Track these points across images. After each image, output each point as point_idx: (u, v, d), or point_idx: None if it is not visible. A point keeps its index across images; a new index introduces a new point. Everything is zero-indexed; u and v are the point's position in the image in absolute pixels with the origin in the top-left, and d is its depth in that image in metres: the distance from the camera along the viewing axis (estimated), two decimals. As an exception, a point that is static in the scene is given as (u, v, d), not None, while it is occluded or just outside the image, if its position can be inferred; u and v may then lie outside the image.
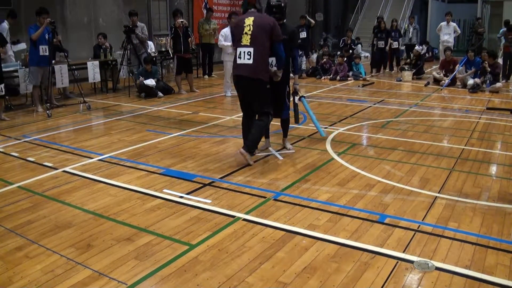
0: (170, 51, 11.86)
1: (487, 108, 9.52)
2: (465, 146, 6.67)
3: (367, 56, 16.35)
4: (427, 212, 4.39)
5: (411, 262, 3.48)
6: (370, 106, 9.80)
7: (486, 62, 11.89)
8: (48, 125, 8.16)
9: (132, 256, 3.58)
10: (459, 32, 16.31)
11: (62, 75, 9.90)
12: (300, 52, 13.76)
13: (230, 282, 3.23)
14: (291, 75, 6.28)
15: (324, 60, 14.52)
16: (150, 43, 12.39)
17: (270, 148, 6.38)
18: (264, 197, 4.75)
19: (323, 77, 14.20)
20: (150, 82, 10.81)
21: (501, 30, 13.92)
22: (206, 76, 14.63)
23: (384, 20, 15.56)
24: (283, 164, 5.82)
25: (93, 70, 10.94)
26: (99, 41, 11.77)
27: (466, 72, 12.36)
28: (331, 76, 14.06)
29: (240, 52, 5.70)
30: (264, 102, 5.83)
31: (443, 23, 15.60)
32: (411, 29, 16.36)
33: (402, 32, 16.38)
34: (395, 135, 7.28)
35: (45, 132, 7.61)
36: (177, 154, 6.25)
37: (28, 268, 3.41)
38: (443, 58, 13.82)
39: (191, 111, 9.31)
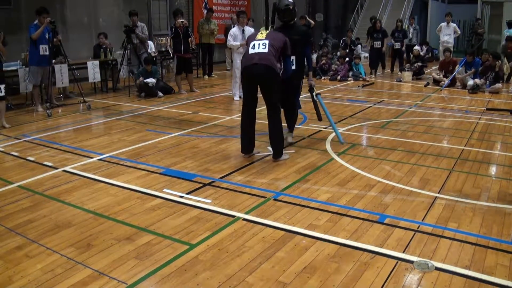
0: (170, 51, 11.86)
1: (487, 109, 9.52)
2: (465, 146, 6.67)
3: (367, 57, 16.35)
4: (427, 212, 4.39)
5: (411, 262, 3.49)
6: (370, 106, 9.81)
7: (489, 61, 11.90)
8: (48, 124, 8.16)
9: (132, 256, 3.58)
10: (459, 32, 16.32)
11: (62, 74, 9.90)
12: None
13: (230, 282, 3.23)
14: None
15: (323, 61, 14.52)
16: (150, 43, 12.39)
17: (269, 148, 6.37)
18: (264, 197, 4.76)
19: (322, 78, 14.20)
20: (151, 80, 10.81)
21: (502, 44, 13.81)
22: (206, 76, 14.63)
23: (381, 20, 15.50)
24: (283, 164, 5.83)
25: (93, 70, 10.95)
26: (100, 41, 11.77)
27: (466, 72, 12.36)
28: (331, 76, 14.05)
29: (254, 43, 5.82)
30: (277, 94, 5.90)
31: (443, 24, 15.61)
32: (411, 30, 16.33)
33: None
34: (395, 135, 7.28)
35: (45, 131, 7.61)
36: (177, 154, 6.26)
37: (28, 268, 3.41)
38: (443, 59, 13.82)
39: (191, 111, 9.31)
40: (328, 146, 6.58)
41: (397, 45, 15.09)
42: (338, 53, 15.51)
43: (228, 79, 13.80)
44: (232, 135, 7.21)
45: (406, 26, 16.95)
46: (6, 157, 6.19)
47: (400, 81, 13.82)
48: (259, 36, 5.94)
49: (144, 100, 10.55)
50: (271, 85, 5.82)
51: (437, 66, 14.37)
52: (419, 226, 4.11)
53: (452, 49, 14.06)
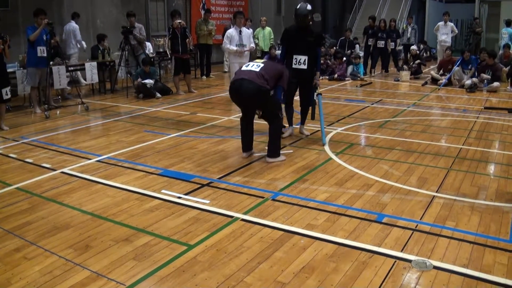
0: (168, 52, 11.87)
1: (485, 108, 9.54)
2: (462, 145, 6.68)
3: (362, 56, 16.36)
4: (425, 211, 4.40)
5: (409, 261, 3.49)
6: (368, 106, 9.81)
7: (485, 60, 11.92)
8: (46, 126, 8.15)
9: (130, 257, 3.59)
10: (457, 32, 16.34)
11: (60, 76, 9.90)
12: None
13: (228, 282, 3.23)
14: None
15: (322, 61, 14.49)
16: (148, 44, 12.39)
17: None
18: (262, 197, 4.76)
19: (321, 77, 14.17)
20: (149, 81, 10.81)
21: (498, 54, 13.83)
22: (204, 77, 14.62)
23: (377, 19, 15.49)
24: (281, 164, 5.83)
25: (91, 71, 10.94)
26: (102, 44, 11.81)
27: (463, 72, 12.38)
28: (329, 75, 14.02)
29: (249, 63, 6.01)
30: (272, 106, 5.92)
31: (441, 23, 15.62)
32: (409, 29, 16.35)
33: (400, 32, 16.30)
34: (393, 135, 7.29)
35: (43, 133, 7.60)
36: (175, 155, 6.26)
37: (26, 269, 3.41)
38: (442, 58, 13.83)
39: (189, 111, 9.31)
40: (326, 146, 6.58)
41: (391, 45, 15.07)
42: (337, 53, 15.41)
43: (227, 79, 13.80)
44: (230, 135, 7.21)
45: (404, 25, 16.95)
46: (4, 159, 6.19)
47: (398, 80, 13.83)
48: (258, 60, 6.08)
49: (142, 101, 10.55)
50: (261, 102, 5.83)
51: (436, 65, 14.39)
52: (417, 225, 4.12)
53: (452, 48, 14.07)
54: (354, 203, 4.60)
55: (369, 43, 15.02)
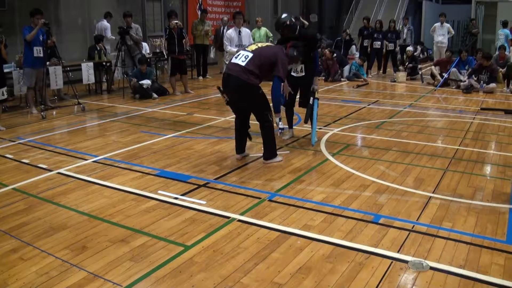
0: (164, 53, 11.87)
1: (481, 109, 9.56)
2: (459, 146, 6.70)
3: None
4: (421, 212, 4.41)
5: (406, 262, 3.50)
6: (365, 106, 9.83)
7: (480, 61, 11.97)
8: (42, 126, 8.14)
9: (127, 258, 3.58)
10: (453, 33, 16.36)
11: (56, 76, 9.88)
12: None
13: (225, 283, 3.23)
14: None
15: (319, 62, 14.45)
16: (144, 44, 12.38)
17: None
18: (259, 198, 4.76)
19: (317, 78, 14.13)
20: (146, 82, 10.80)
21: (493, 56, 13.88)
22: (201, 77, 14.63)
23: (374, 20, 15.51)
24: (278, 165, 5.83)
25: (87, 72, 10.92)
26: (100, 45, 11.81)
27: (460, 72, 12.40)
28: (324, 76, 13.97)
29: (240, 53, 5.70)
30: (261, 106, 5.71)
31: (437, 24, 15.65)
32: (405, 30, 16.37)
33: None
34: (390, 135, 7.30)
35: (40, 133, 7.59)
36: (172, 155, 6.25)
37: (23, 270, 3.40)
38: (438, 58, 13.84)
39: (186, 112, 9.31)
40: (322, 147, 6.59)
41: (390, 46, 15.08)
42: (328, 49, 15.34)
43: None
44: (226, 136, 7.20)
45: (400, 26, 16.97)
46: (0, 160, 6.16)
47: (394, 81, 13.86)
48: (252, 46, 5.80)
49: (139, 102, 10.54)
50: (248, 100, 5.67)
51: (433, 63, 14.34)
52: (413, 226, 4.12)
53: (452, 50, 14.10)
54: (350, 204, 4.61)
55: (364, 44, 15.06)
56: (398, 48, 15.44)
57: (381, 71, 15.70)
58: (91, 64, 11.08)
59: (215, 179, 5.34)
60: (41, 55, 8.95)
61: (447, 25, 15.73)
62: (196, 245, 3.78)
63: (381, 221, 4.22)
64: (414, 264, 3.46)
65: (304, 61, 6.46)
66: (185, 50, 11.70)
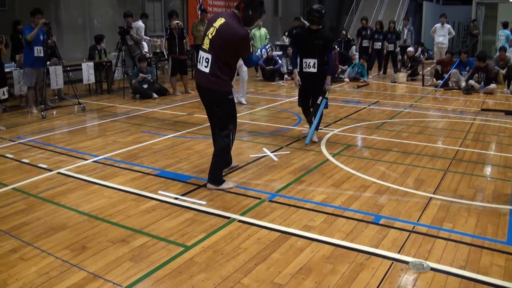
0: (165, 53, 11.87)
1: (482, 110, 9.56)
2: (459, 147, 6.69)
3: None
4: (422, 213, 4.40)
5: (406, 262, 3.49)
6: (365, 107, 9.82)
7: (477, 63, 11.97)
8: (42, 126, 8.13)
9: (127, 258, 3.57)
10: (454, 34, 16.36)
11: (56, 76, 9.88)
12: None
13: (225, 284, 3.23)
14: None
15: None
16: (144, 44, 12.37)
17: (264, 149, 6.39)
18: (259, 198, 4.75)
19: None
20: (147, 75, 10.80)
21: (494, 57, 13.87)
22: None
23: (374, 21, 15.51)
24: (278, 165, 5.82)
25: (88, 72, 10.92)
26: (100, 45, 11.80)
27: (461, 74, 12.39)
28: None
29: (200, 55, 4.88)
30: (224, 119, 4.95)
31: (438, 25, 15.64)
32: (405, 31, 16.36)
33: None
34: (390, 136, 7.29)
35: (40, 133, 7.58)
36: (172, 156, 6.25)
37: (23, 270, 3.40)
38: (443, 58, 13.83)
39: (186, 112, 9.30)
40: (323, 148, 6.58)
41: (391, 47, 15.07)
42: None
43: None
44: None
45: (401, 27, 16.97)
46: (0, 159, 6.16)
47: (395, 82, 13.86)
48: (206, 42, 4.82)
49: (139, 102, 10.53)
50: (215, 109, 4.95)
51: (434, 64, 14.33)
52: (414, 226, 4.12)
53: (452, 52, 14.09)
54: (351, 204, 4.60)
55: (363, 45, 15.05)
56: (398, 49, 15.45)
57: (381, 72, 15.70)
58: (91, 64, 11.08)
59: (216, 179, 5.32)
60: (42, 54, 8.94)
61: (447, 26, 15.72)
62: (196, 246, 3.77)
63: (381, 221, 4.21)
64: (415, 265, 3.46)
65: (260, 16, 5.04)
66: (185, 50, 11.69)
